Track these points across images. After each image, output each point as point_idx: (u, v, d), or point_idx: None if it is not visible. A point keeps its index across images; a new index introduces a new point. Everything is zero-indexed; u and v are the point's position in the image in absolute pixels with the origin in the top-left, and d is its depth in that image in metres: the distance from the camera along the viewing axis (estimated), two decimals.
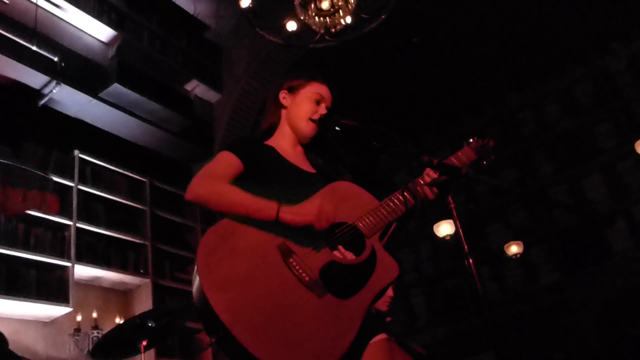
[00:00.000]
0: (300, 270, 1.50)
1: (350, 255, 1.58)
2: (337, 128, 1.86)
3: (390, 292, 3.11)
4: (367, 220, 1.66)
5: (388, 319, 2.97)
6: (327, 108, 1.94)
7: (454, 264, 6.32)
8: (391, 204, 1.72)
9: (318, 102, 1.94)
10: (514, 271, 6.04)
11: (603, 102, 6.02)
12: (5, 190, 1.92)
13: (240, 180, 1.73)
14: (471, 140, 1.93)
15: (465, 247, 1.63)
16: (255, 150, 1.85)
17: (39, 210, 1.99)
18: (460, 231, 1.64)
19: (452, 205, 1.67)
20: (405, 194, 1.74)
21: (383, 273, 1.58)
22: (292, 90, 1.99)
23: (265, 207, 1.56)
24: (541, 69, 6.23)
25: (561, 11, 5.59)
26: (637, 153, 5.21)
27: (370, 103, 5.84)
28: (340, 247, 1.59)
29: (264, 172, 1.79)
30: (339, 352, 1.39)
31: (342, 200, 1.71)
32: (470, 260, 1.60)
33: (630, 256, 5.36)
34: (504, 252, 5.81)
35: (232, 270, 1.46)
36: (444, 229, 5.52)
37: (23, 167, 3.88)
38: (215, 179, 1.68)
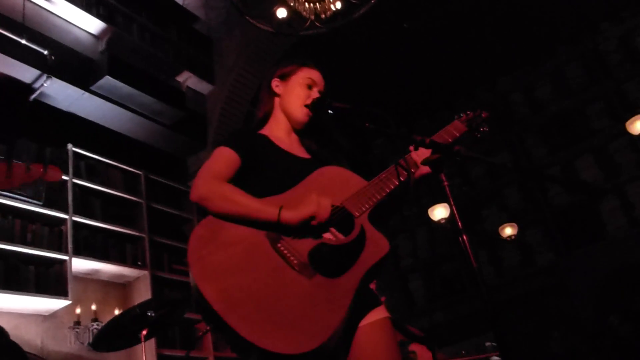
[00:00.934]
0: (289, 254, 1.52)
1: (341, 237, 1.60)
2: (329, 111, 1.87)
3: None
4: (355, 200, 1.67)
5: (382, 298, 2.99)
6: (319, 92, 1.95)
7: (450, 248, 6.37)
8: (379, 182, 1.74)
9: (310, 87, 1.95)
10: (509, 253, 6.09)
11: (594, 82, 6.06)
12: (9, 163, 2.01)
13: (238, 174, 1.74)
14: (462, 114, 1.94)
15: (459, 224, 1.64)
16: (250, 142, 1.85)
17: (43, 178, 2.09)
18: (454, 209, 1.65)
19: (445, 184, 1.69)
20: (394, 170, 1.75)
21: (373, 250, 1.59)
22: (284, 77, 1.99)
23: (267, 208, 1.58)
24: (532, 51, 6.25)
25: None
26: (628, 132, 5.24)
27: (362, 90, 5.84)
28: (332, 229, 1.60)
29: (259, 162, 1.80)
30: (331, 329, 1.41)
31: (331, 184, 1.73)
32: (465, 237, 1.62)
33: (623, 235, 5.42)
34: (499, 235, 5.86)
35: (222, 260, 1.49)
36: (439, 212, 5.54)
37: (17, 162, 3.87)
38: (218, 179, 1.68)
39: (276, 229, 1.57)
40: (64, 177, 4.26)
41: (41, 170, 2.12)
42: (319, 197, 1.58)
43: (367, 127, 1.76)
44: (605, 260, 5.26)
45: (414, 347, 3.04)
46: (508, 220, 5.96)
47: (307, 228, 1.57)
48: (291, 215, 1.56)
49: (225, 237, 1.55)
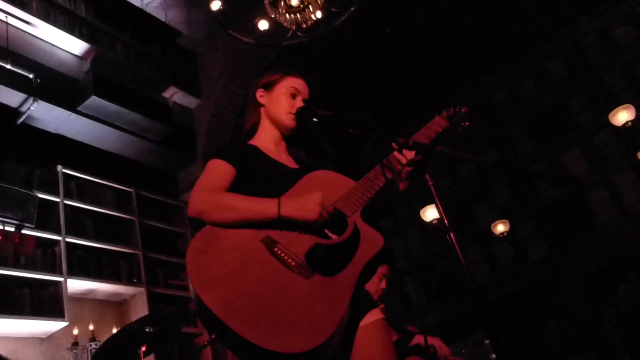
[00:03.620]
0: (286, 257, 1.55)
1: (334, 237, 1.63)
2: (314, 120, 1.90)
3: (383, 284, 3.15)
4: (346, 200, 1.71)
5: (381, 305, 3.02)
6: (303, 100, 1.98)
7: (444, 248, 6.39)
8: (368, 181, 1.77)
9: (294, 96, 1.98)
10: (503, 250, 6.13)
11: (576, 76, 6.14)
12: None
13: (232, 184, 1.77)
14: (443, 111, 1.97)
15: (446, 222, 1.67)
16: (241, 153, 1.88)
17: (16, 248, 2.18)
18: (440, 208, 1.68)
19: (430, 183, 1.72)
20: (380, 169, 1.78)
21: (368, 246, 1.62)
22: (267, 88, 2.02)
23: (267, 207, 1.62)
24: (512, 48, 6.32)
25: None
26: (612, 124, 5.31)
27: (347, 95, 5.89)
28: (325, 230, 1.63)
29: (250, 171, 1.83)
30: (333, 325, 1.43)
31: (320, 187, 1.75)
32: (452, 236, 1.65)
33: (614, 225, 5.48)
34: (492, 232, 5.90)
35: (220, 268, 1.51)
36: (431, 213, 5.58)
37: (7, 186, 3.88)
38: (214, 191, 1.71)
39: (277, 225, 1.61)
40: (56, 199, 4.27)
41: (17, 240, 2.22)
42: (321, 203, 1.62)
43: (352, 132, 1.80)
44: (597, 251, 5.31)
45: (432, 341, 3.06)
46: (499, 217, 6.01)
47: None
48: (292, 215, 1.61)
49: (222, 246, 1.57)
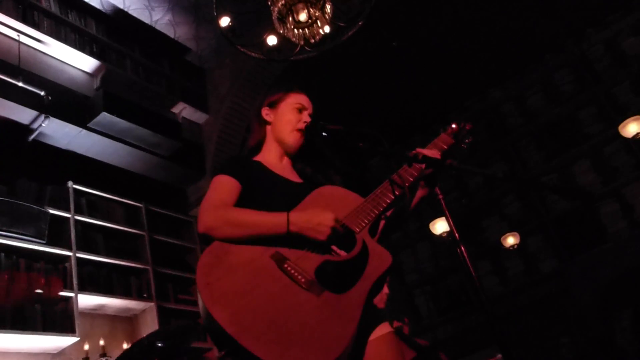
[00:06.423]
0: (296, 274, 1.55)
1: (343, 254, 1.63)
2: (324, 134, 1.92)
3: (385, 289, 3.16)
4: (354, 217, 1.71)
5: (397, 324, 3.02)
6: (310, 115, 2.00)
7: (453, 261, 6.36)
8: (375, 198, 1.78)
9: (300, 111, 2.01)
10: (513, 262, 6.08)
11: (584, 88, 6.12)
12: (12, 275, 2.11)
13: (238, 199, 1.78)
14: (447, 127, 1.98)
15: (457, 235, 1.68)
16: (245, 168, 1.90)
17: (43, 290, 2.18)
18: (450, 221, 1.69)
19: (440, 197, 1.73)
20: (387, 185, 1.79)
21: (377, 263, 1.62)
22: (273, 105, 2.05)
23: (275, 222, 1.63)
24: (520, 60, 6.33)
25: (536, 1, 5.69)
26: (622, 136, 5.29)
27: (355, 109, 5.91)
28: (333, 247, 1.64)
29: (254, 187, 1.84)
30: (344, 342, 1.43)
31: (329, 203, 1.76)
32: (463, 249, 1.65)
33: (625, 237, 5.43)
34: (502, 245, 5.87)
35: (231, 285, 1.51)
36: (440, 226, 5.56)
37: (19, 202, 3.92)
38: (222, 208, 1.72)
39: (286, 240, 1.62)
40: (66, 215, 4.30)
41: (42, 282, 2.19)
42: (332, 225, 1.64)
43: (361, 146, 1.81)
44: (608, 264, 5.26)
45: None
46: (509, 229, 5.98)
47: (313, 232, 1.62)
48: (300, 230, 1.62)
49: (231, 262, 1.58)
